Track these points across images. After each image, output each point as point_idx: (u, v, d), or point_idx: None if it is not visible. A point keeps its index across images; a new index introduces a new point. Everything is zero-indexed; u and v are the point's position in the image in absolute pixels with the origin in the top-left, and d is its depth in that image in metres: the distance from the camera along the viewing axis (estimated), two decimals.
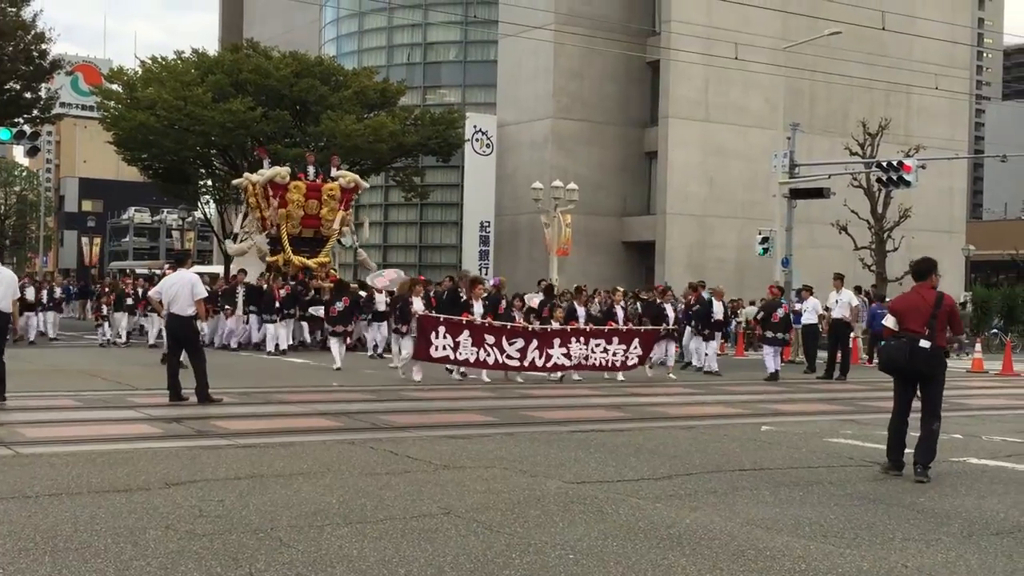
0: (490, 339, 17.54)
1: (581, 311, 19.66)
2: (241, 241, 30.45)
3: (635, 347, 19.03)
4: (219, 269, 42.87)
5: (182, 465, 8.67)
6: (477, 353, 17.41)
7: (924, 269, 9.48)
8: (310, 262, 28.45)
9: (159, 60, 38.71)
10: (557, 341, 18.13)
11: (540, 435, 11.30)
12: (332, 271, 28.72)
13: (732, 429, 12.35)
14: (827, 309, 22.56)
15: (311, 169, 29.55)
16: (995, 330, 37.38)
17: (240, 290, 25.25)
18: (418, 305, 17.88)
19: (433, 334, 17.06)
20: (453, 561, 5.85)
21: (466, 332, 17.33)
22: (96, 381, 16.27)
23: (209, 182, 43.24)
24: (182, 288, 13.45)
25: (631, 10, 42.74)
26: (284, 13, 54.33)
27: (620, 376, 18.95)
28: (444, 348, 17.15)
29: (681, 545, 6.35)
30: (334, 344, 20.25)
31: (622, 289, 22.22)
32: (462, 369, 18.12)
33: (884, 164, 30.07)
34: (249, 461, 8.95)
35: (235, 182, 32.14)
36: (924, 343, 9.01)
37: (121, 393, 14.50)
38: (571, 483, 8.32)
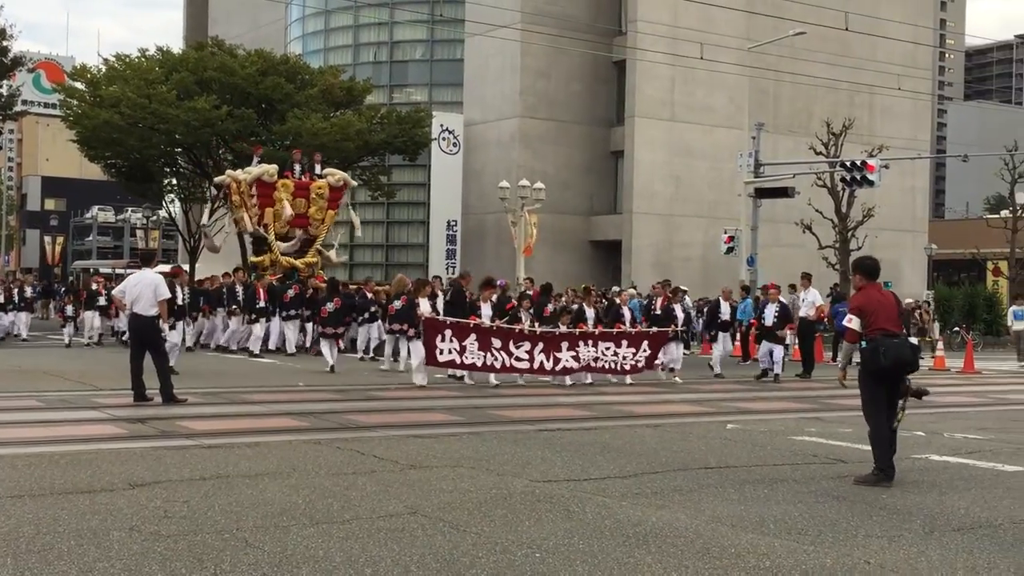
0: (497, 342, 16.95)
1: (590, 313, 19.17)
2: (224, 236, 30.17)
3: (644, 349, 18.45)
4: (184, 268, 42.55)
5: (146, 466, 8.61)
6: (484, 357, 16.82)
7: (877, 268, 9.34)
8: (297, 262, 28.03)
9: (123, 58, 38.35)
10: (565, 344, 17.57)
11: (507, 434, 11.31)
12: (319, 271, 28.29)
13: (698, 427, 12.42)
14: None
15: (297, 167, 29.16)
16: (956, 328, 37.81)
17: (239, 290, 24.06)
18: (425, 307, 17.29)
19: (439, 338, 16.44)
20: (419, 560, 5.85)
21: (473, 335, 16.75)
22: (60, 382, 16.11)
23: (174, 181, 42.91)
24: (145, 288, 13.33)
25: (597, 10, 42.83)
26: (249, 11, 54.00)
27: (628, 379, 18.35)
28: (450, 352, 16.56)
29: (647, 543, 6.38)
30: (325, 346, 19.72)
31: (633, 289, 21.70)
32: (462, 373, 17.45)
33: (848, 164, 30.38)
34: (214, 461, 8.90)
35: (218, 179, 31.56)
36: (914, 340, 8.87)
37: (85, 394, 14.37)
38: (538, 482, 8.33)
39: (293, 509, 7.07)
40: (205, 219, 32.30)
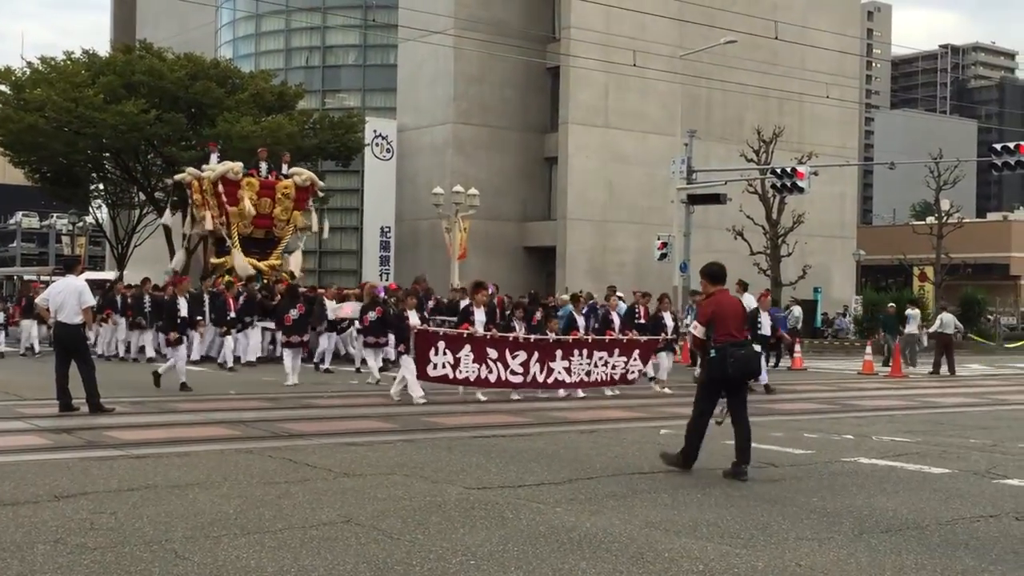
0: (493, 353, 15.73)
1: (580, 320, 18.25)
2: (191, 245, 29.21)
3: (635, 359, 17.52)
4: (112, 275, 41.82)
5: (72, 477, 8.42)
6: (479, 370, 15.62)
7: (723, 273, 9.55)
8: (261, 264, 27.35)
9: (48, 61, 37.62)
10: (559, 353, 16.50)
11: (441, 441, 11.26)
12: (284, 275, 27.49)
13: (632, 433, 12.47)
14: None
15: (263, 166, 28.45)
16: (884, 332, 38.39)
17: (204, 298, 22.66)
18: (414, 319, 15.90)
19: (432, 351, 15.22)
20: (353, 569, 5.80)
21: (467, 347, 15.50)
22: None
23: (101, 186, 42.17)
24: (69, 296, 13.05)
25: (531, 16, 42.98)
26: (179, 14, 53.25)
27: (616, 391, 17.47)
28: (443, 366, 15.32)
29: (581, 549, 6.38)
30: (288, 356, 18.41)
31: (643, 294, 20.50)
32: (461, 389, 16.33)
33: (778, 171, 30.80)
34: (142, 472, 8.74)
35: (177, 177, 30.29)
36: (756, 347, 9.20)
37: (8, 403, 14.05)
38: (472, 489, 8.30)
39: (224, 519, 6.96)
40: (167, 219, 31.12)
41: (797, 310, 32.48)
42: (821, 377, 19.21)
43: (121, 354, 24.20)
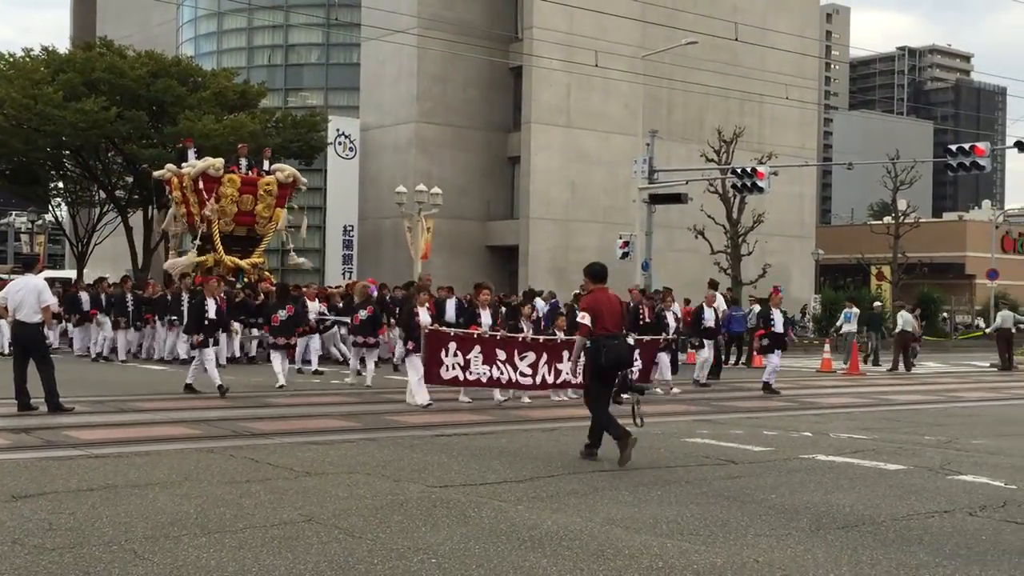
0: (502, 354, 15.16)
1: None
2: (179, 250, 28.32)
3: (636, 361, 15.97)
4: (71, 274, 41.41)
5: (31, 477, 8.36)
6: (489, 372, 15.04)
7: (604, 272, 10.34)
8: (243, 263, 26.77)
9: (7, 57, 37.18)
10: (566, 354, 15.38)
11: (403, 440, 11.27)
12: (266, 273, 27.07)
13: None
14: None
15: (243, 162, 27.84)
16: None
17: (184, 297, 21.61)
18: (425, 317, 15.12)
19: (443, 352, 14.61)
20: (314, 569, 5.80)
21: (477, 348, 14.93)
22: None
23: (60, 184, 41.73)
24: (28, 294, 12.93)
25: (494, 16, 43.01)
26: (140, 12, 52.87)
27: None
28: (454, 368, 14.74)
29: (543, 546, 6.42)
30: (276, 359, 17.78)
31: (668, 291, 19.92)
32: (464, 394, 15.80)
33: (739, 171, 31.00)
34: (102, 472, 8.69)
35: (157, 174, 29.28)
36: (630, 340, 10.24)
37: None
38: (434, 487, 8.33)
39: (184, 519, 6.94)
40: (169, 227, 29.47)
41: (758, 309, 32.67)
42: (780, 375, 19.37)
43: (106, 354, 23.40)
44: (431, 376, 14.62)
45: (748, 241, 37.77)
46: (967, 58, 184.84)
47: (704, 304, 21.23)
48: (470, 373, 14.93)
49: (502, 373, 15.22)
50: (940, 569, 6.12)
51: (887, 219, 48.97)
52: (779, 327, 19.13)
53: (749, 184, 30.14)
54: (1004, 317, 29.77)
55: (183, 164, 27.86)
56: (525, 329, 16.43)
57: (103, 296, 23.96)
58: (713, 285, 22.73)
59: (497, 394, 15.69)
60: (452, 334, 15.05)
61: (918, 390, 20.79)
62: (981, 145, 27.25)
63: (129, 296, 23.69)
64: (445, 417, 13.83)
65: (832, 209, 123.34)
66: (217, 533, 6.56)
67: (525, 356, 15.44)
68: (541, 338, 16.11)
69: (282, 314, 18.16)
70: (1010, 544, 6.80)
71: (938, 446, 11.67)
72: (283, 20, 46.91)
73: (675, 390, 18.08)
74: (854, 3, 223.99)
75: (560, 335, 16.24)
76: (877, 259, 48.58)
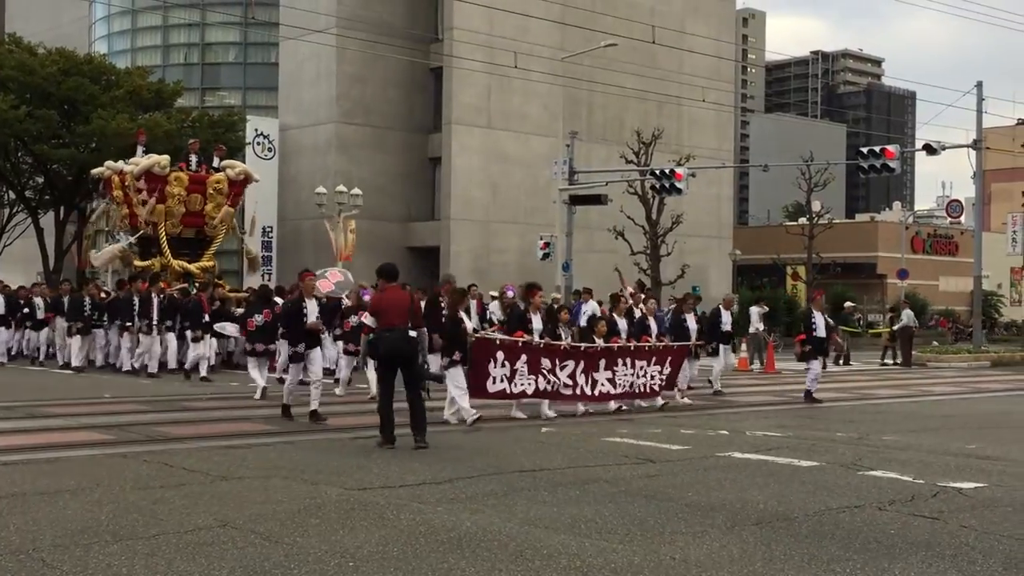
0: (546, 363, 14.17)
1: (622, 324, 16.01)
2: (105, 244, 26.55)
3: (667, 367, 16.00)
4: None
5: None
6: (535, 382, 14.02)
7: (395, 272, 11.35)
8: (192, 267, 25.15)
9: None
10: (603, 363, 15.02)
11: (322, 442, 11.19)
12: (217, 278, 25.46)
13: (513, 431, 12.58)
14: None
15: (193, 159, 26.27)
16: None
17: (155, 300, 20.62)
18: (470, 325, 13.85)
19: (491, 363, 13.55)
20: (229, 574, 5.73)
21: (523, 356, 13.88)
22: None
23: None
24: None
25: (414, 16, 42.86)
26: (50, 8, 51.66)
27: (659, 401, 16.09)
28: (501, 380, 13.68)
29: (461, 548, 6.42)
30: (251, 366, 16.79)
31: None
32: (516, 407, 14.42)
33: (657, 172, 31.36)
34: (9, 479, 8.47)
35: (95, 171, 27.43)
36: (412, 333, 10.87)
37: None
38: (352, 490, 8.27)
39: (95, 526, 6.80)
40: (101, 224, 27.86)
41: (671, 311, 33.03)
42: (699, 374, 19.59)
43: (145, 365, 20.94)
44: (477, 390, 13.39)
45: (667, 242, 38.16)
46: (878, 62, 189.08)
47: (721, 307, 20.20)
48: (516, 384, 13.84)
49: (548, 383, 14.25)
50: (851, 562, 6.25)
51: (802, 220, 49.82)
52: (820, 331, 17.62)
53: (668, 185, 30.49)
54: (907, 315, 30.60)
55: (128, 161, 26.21)
56: (564, 336, 15.17)
57: (65, 299, 22.54)
58: (696, 299, 20.22)
59: (545, 408, 14.47)
60: (498, 341, 13.93)
61: (831, 388, 21.16)
62: (891, 148, 27.95)
63: (87, 299, 21.99)
64: (363, 419, 13.69)
65: (749, 210, 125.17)
66: (129, 540, 6.44)
67: (565, 365, 14.52)
68: (583, 346, 15.16)
69: (258, 319, 16.88)
70: (917, 537, 6.97)
71: (850, 443, 11.92)
72: (200, 18, 46.20)
73: (685, 400, 16.98)
74: (769, 8, 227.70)
75: (599, 342, 15.33)
76: (792, 259, 49.39)
